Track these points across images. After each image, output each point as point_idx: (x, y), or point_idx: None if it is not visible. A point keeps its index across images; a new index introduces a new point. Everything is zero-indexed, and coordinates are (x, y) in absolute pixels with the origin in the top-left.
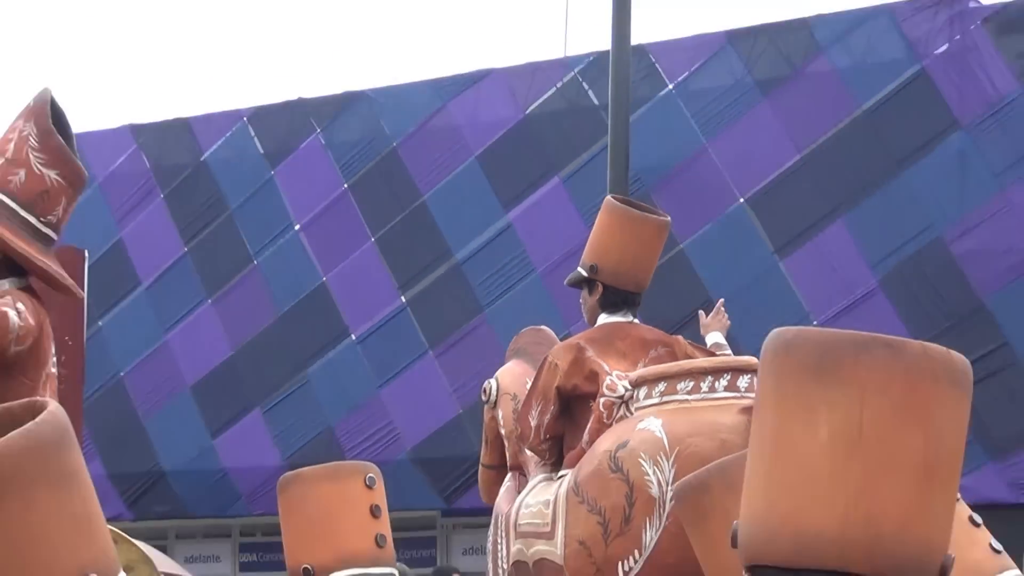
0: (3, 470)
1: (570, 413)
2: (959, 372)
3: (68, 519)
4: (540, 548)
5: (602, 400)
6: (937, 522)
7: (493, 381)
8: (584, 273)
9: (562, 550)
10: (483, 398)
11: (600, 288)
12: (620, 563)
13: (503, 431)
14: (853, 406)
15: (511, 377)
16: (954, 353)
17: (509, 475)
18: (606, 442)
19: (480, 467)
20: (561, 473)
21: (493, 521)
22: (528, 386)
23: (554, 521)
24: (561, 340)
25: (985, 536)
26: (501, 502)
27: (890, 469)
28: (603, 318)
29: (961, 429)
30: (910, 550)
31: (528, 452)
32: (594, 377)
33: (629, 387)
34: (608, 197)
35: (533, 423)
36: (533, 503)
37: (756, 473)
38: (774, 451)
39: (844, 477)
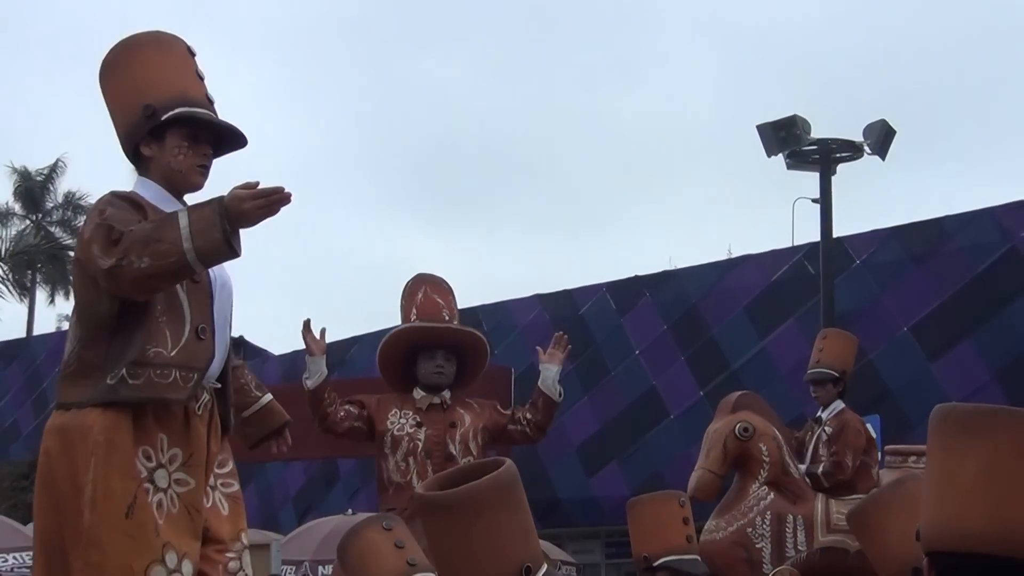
0: (481, 499)
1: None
2: None
3: (516, 529)
4: None
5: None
6: None
7: (750, 424)
8: (836, 374)
9: None
10: (744, 434)
11: (843, 385)
12: None
13: (765, 459)
14: (990, 452)
15: (760, 424)
16: None
17: (766, 488)
18: None
19: (708, 472)
20: (857, 496)
21: (773, 518)
22: (775, 432)
23: None
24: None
25: None
26: (777, 506)
27: (1015, 491)
28: (839, 403)
29: None
30: None
31: (793, 475)
32: (872, 442)
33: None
34: (840, 331)
35: (849, 463)
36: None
37: (930, 494)
38: (941, 481)
39: (986, 497)
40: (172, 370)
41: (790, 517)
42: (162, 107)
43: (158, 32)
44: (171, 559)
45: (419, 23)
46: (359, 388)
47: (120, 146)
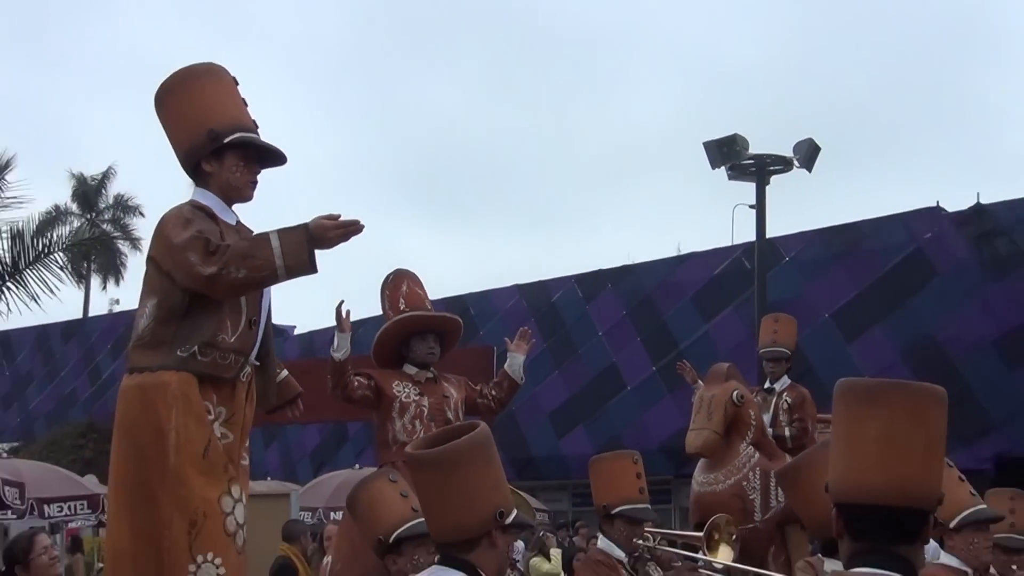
0: (460, 456)
1: None
2: (941, 397)
3: (489, 480)
4: None
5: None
6: (934, 476)
7: (743, 392)
8: (789, 353)
9: None
10: (740, 400)
11: (791, 362)
12: None
13: (752, 423)
14: (886, 417)
15: (747, 392)
16: (938, 387)
17: (752, 447)
18: None
19: (713, 434)
20: None
21: (761, 474)
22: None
23: None
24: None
25: (967, 486)
26: (763, 463)
27: (908, 450)
28: (786, 378)
29: (943, 427)
30: (921, 491)
31: (768, 436)
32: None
33: None
34: (788, 316)
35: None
36: None
37: (836, 454)
38: (846, 443)
39: (884, 455)
40: (230, 354)
41: (772, 473)
42: (223, 131)
43: (210, 64)
44: (236, 490)
45: (416, 48)
46: (367, 364)
47: (179, 161)
